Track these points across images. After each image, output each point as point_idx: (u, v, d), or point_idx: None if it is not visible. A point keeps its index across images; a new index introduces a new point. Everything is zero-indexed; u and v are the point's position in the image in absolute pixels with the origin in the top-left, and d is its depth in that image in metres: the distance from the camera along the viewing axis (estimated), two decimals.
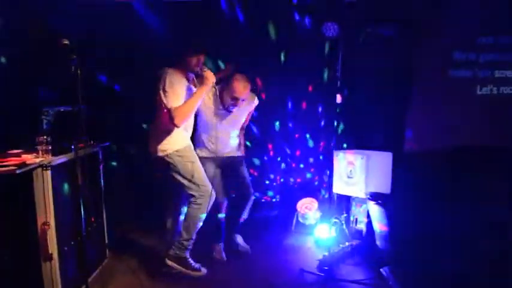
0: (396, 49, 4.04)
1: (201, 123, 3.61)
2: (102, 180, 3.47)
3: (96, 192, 3.40)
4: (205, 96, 3.34)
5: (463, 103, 4.44)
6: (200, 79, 3.24)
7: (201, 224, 3.26)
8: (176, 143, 3.20)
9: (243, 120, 3.79)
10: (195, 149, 3.44)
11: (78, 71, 2.46)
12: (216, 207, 3.53)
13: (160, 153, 3.18)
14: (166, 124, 3.12)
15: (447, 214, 3.63)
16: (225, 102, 3.50)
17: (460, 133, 4.41)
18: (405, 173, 4.07)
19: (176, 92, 3.06)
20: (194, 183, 3.18)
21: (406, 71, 4.15)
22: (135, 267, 3.53)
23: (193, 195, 3.20)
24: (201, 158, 3.42)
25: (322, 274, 3.33)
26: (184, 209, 3.36)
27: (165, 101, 3.03)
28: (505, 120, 4.44)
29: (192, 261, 3.31)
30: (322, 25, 4.19)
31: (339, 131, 4.38)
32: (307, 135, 4.65)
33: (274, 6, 4.28)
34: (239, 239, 3.92)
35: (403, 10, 4.11)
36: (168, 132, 3.17)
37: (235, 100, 3.44)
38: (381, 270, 3.36)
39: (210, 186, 3.24)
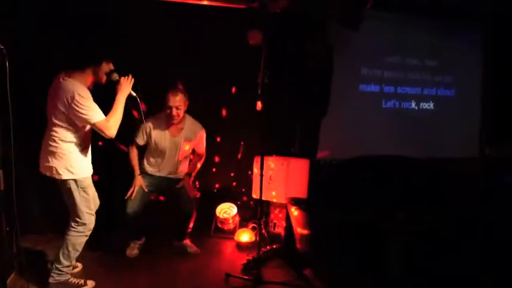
0: (316, 62, 4.25)
1: (148, 150, 3.92)
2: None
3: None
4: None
5: (370, 115, 4.85)
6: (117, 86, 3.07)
7: (80, 249, 3.13)
8: (83, 168, 3.02)
9: (187, 147, 3.91)
10: (141, 162, 3.91)
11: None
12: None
13: (63, 177, 2.92)
14: (74, 142, 2.93)
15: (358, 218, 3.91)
16: (167, 118, 3.75)
17: (367, 143, 4.80)
18: (319, 179, 4.30)
19: (93, 103, 2.87)
20: (82, 211, 3.02)
21: (323, 83, 4.39)
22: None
23: (76, 221, 3.03)
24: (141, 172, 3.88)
25: (249, 278, 3.37)
26: None
27: (88, 117, 2.82)
28: (405, 132, 4.95)
29: (74, 280, 3.17)
30: (246, 33, 4.29)
31: (259, 137, 4.47)
32: (227, 139, 4.68)
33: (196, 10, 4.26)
34: (187, 242, 4.05)
35: (320, 27, 4.38)
36: (72, 153, 2.93)
37: (170, 109, 3.66)
38: (305, 272, 3.52)
39: (94, 214, 3.13)
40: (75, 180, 2.96)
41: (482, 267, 3.57)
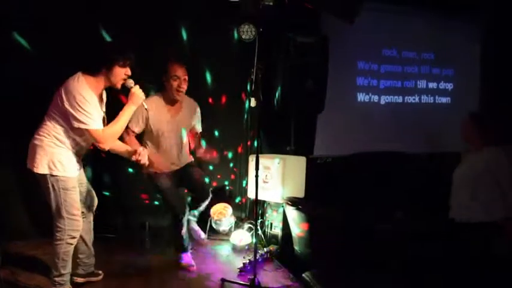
0: (313, 57, 4.09)
1: (146, 136, 3.44)
2: None
3: None
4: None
5: (367, 110, 4.72)
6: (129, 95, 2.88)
7: (67, 259, 2.83)
8: (68, 168, 2.75)
9: (187, 126, 3.53)
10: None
11: None
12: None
13: (42, 171, 2.68)
14: (64, 141, 2.73)
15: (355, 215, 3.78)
16: (170, 92, 3.31)
17: (365, 139, 4.68)
18: (316, 177, 4.18)
19: (95, 110, 2.68)
20: (61, 215, 2.74)
21: (318, 78, 4.23)
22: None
23: (56, 226, 2.76)
24: (155, 173, 3.34)
25: (246, 284, 3.23)
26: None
27: (83, 123, 2.63)
28: (405, 127, 4.82)
29: None
30: (238, 27, 4.14)
31: (254, 135, 4.34)
32: (219, 138, 4.53)
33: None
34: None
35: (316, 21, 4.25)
36: (61, 151, 2.73)
37: (178, 80, 3.27)
38: (303, 275, 3.38)
39: (79, 220, 2.83)
40: (55, 179, 2.70)
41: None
